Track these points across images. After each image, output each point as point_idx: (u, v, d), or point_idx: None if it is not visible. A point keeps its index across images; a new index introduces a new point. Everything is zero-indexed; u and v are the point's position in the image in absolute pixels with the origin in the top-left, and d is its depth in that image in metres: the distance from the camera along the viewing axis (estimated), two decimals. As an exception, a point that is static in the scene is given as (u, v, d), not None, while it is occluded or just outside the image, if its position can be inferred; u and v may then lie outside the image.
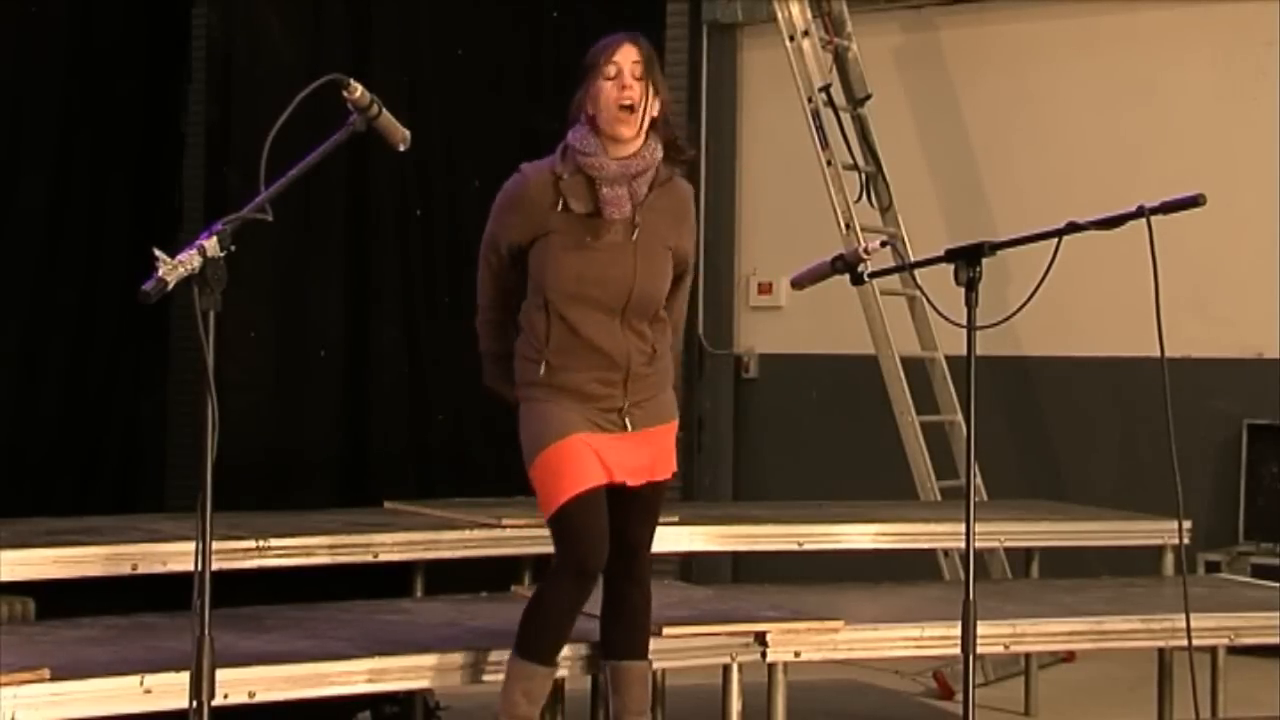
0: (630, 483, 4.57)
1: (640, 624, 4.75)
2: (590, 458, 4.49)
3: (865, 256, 4.39)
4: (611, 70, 4.42)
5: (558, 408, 4.50)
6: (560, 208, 4.46)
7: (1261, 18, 8.80)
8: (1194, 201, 3.83)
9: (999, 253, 3.93)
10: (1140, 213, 3.85)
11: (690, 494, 9.80)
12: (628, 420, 4.55)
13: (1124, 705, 6.38)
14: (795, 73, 8.57)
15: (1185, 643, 4.66)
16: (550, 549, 5.74)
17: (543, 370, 4.50)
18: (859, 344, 8.50)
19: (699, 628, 5.17)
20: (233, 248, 3.41)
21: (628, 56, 4.44)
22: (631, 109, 4.42)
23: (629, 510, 4.60)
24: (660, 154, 4.53)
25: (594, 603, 4.67)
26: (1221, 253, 8.59)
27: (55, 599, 5.32)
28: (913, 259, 7.67)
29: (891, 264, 6.93)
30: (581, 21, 8.89)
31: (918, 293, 8.40)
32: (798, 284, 4.46)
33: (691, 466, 9.89)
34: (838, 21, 8.94)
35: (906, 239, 8.65)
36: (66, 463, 6.95)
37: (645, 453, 4.61)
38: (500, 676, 4.68)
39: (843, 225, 8.33)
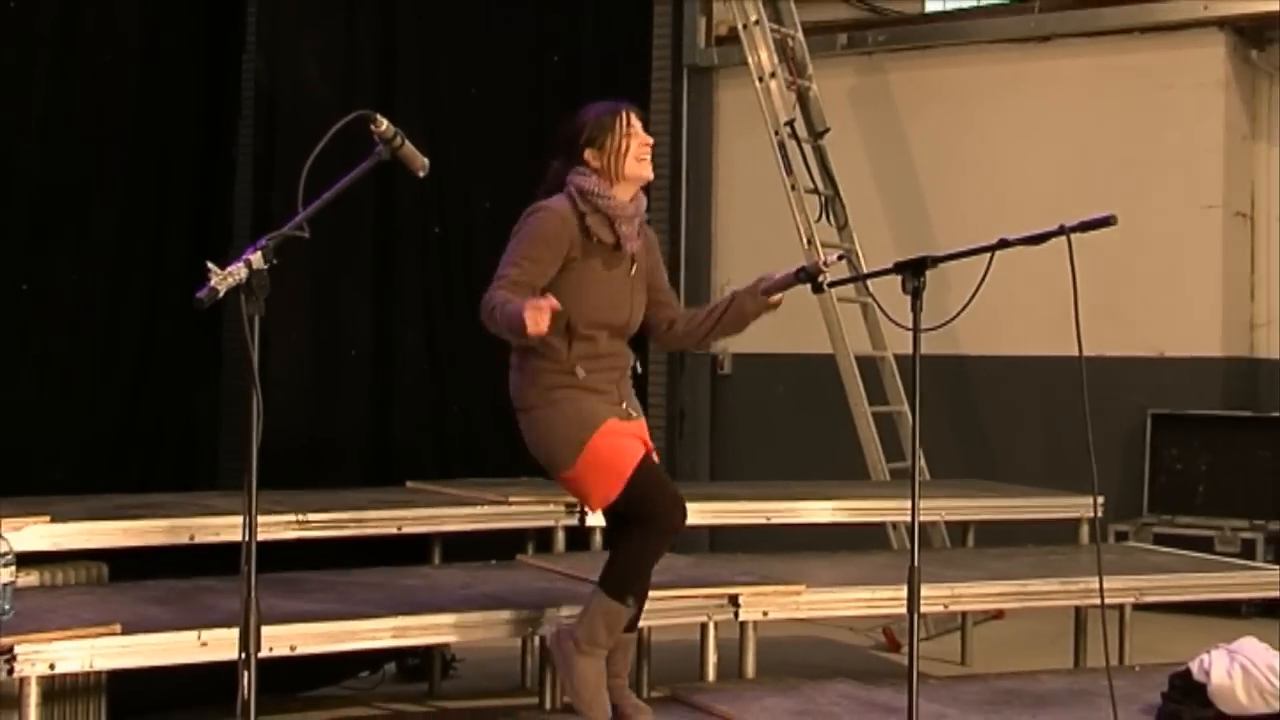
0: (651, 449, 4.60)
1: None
2: (629, 435, 4.51)
3: (824, 268, 4.38)
4: (629, 130, 4.54)
5: (587, 402, 4.48)
6: (587, 241, 4.49)
7: (1162, 66, 8.85)
8: (1107, 221, 3.82)
9: (940, 265, 3.92)
10: (1061, 231, 3.84)
11: (673, 475, 9.74)
12: (631, 411, 4.59)
13: (1046, 655, 6.37)
14: (764, 109, 8.56)
15: (1098, 601, 4.65)
16: (544, 523, 5.78)
17: (575, 375, 4.48)
18: (819, 345, 8.49)
19: (680, 591, 5.17)
20: (275, 261, 3.39)
21: (639, 120, 4.61)
22: (649, 155, 4.60)
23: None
24: (644, 200, 4.66)
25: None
26: (1130, 265, 8.61)
27: (125, 564, 5.30)
28: (865, 271, 7.66)
29: (847, 275, 6.91)
30: (580, 63, 8.88)
31: (870, 300, 8.40)
32: (767, 293, 4.44)
33: (674, 452, 9.89)
34: (800, 65, 8.94)
35: (860, 253, 8.65)
36: (133, 447, 6.92)
37: (643, 436, 4.63)
38: (500, 635, 4.69)
39: (805, 241, 8.32)
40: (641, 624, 5.18)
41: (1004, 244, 3.88)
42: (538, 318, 4.14)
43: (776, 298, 4.56)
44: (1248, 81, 8.97)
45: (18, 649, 4.06)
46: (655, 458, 4.64)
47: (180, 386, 7.18)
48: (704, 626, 5.13)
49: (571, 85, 8.53)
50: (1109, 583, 5.51)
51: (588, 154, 4.53)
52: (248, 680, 3.36)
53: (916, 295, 3.88)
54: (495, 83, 8.36)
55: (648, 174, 4.60)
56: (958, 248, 4.00)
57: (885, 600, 5.41)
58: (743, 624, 5.20)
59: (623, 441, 4.48)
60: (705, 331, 4.80)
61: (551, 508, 5.92)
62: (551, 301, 4.19)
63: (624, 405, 4.58)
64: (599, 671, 4.51)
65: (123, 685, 4.79)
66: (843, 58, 9.67)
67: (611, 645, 4.54)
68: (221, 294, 3.31)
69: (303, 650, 4.55)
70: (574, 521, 6.03)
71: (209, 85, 7.43)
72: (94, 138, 6.83)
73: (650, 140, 4.61)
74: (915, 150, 9.49)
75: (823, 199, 8.73)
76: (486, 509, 5.96)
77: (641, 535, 4.49)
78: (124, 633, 4.26)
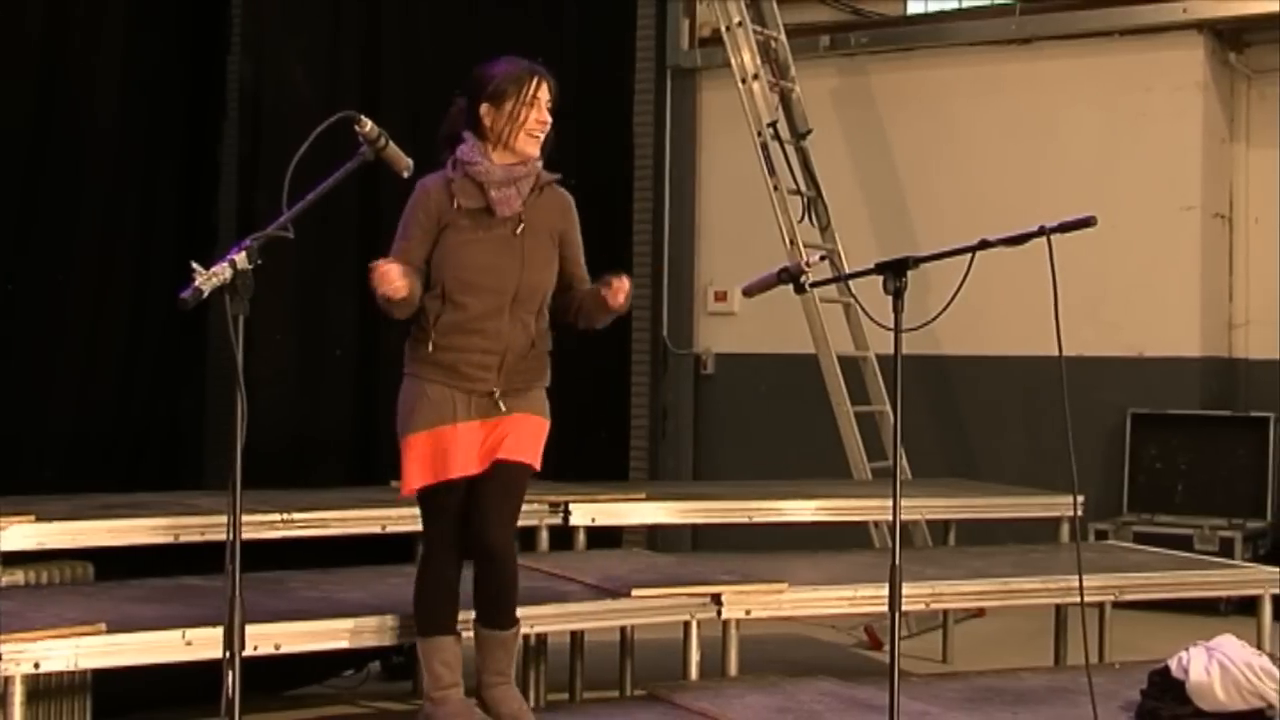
0: (458, 475, 4.45)
1: (497, 597, 4.54)
2: (451, 453, 4.41)
3: (807, 269, 4.37)
4: (533, 99, 4.47)
5: (435, 391, 4.42)
6: (454, 206, 4.45)
7: (1141, 68, 8.86)
8: (1087, 222, 3.82)
9: (921, 266, 3.92)
10: (1041, 232, 3.85)
11: (656, 474, 9.79)
12: (501, 403, 4.47)
13: (1026, 653, 6.38)
14: (746, 110, 8.56)
15: (1078, 599, 4.66)
16: (528, 522, 5.74)
17: (430, 348, 4.42)
18: (802, 345, 8.49)
19: (663, 590, 5.17)
20: (259, 261, 3.39)
21: (545, 93, 4.50)
22: (542, 135, 4.51)
23: (486, 489, 4.45)
24: (540, 164, 4.55)
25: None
26: (1110, 266, 8.62)
27: (110, 563, 5.29)
28: (847, 271, 7.65)
29: (829, 275, 6.91)
30: (564, 64, 8.85)
31: (852, 300, 8.40)
32: (748, 293, 4.43)
33: (656, 451, 9.89)
34: (783, 66, 8.94)
35: (842, 254, 8.65)
36: (119, 446, 6.90)
37: (508, 435, 4.47)
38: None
39: (787, 242, 8.32)
40: (624, 623, 5.19)
41: (985, 245, 3.88)
42: (381, 278, 4.21)
43: (620, 300, 4.45)
44: (1226, 84, 9.00)
45: (2, 648, 4.05)
46: (510, 459, 4.45)
47: (165, 386, 7.17)
48: (686, 625, 5.13)
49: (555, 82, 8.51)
50: (1089, 581, 5.53)
51: (483, 108, 4.47)
52: (232, 679, 3.35)
53: (898, 296, 3.88)
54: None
55: (532, 151, 4.49)
56: (939, 248, 3.99)
57: (867, 599, 5.41)
58: (725, 623, 5.19)
59: (441, 456, 4.40)
60: (569, 308, 4.61)
61: (535, 506, 5.90)
62: (392, 263, 4.26)
63: (495, 396, 4.45)
64: (460, 708, 4.51)
65: (108, 684, 4.78)
66: (825, 59, 9.67)
67: (457, 679, 4.52)
68: (206, 294, 3.31)
69: (287, 649, 4.55)
70: (558, 520, 6.02)
71: (194, 86, 7.42)
72: (79, 138, 6.81)
73: (548, 120, 4.49)
74: (897, 151, 9.50)
75: (805, 200, 8.74)
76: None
77: (422, 563, 4.58)
78: (109, 632, 4.25)
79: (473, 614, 4.57)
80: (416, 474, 4.45)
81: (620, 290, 4.43)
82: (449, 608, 4.55)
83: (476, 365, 4.44)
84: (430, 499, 4.49)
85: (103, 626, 4.24)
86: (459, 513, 4.47)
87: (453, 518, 4.48)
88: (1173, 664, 4.70)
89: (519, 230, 4.48)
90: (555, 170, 4.62)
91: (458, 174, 4.48)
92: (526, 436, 4.51)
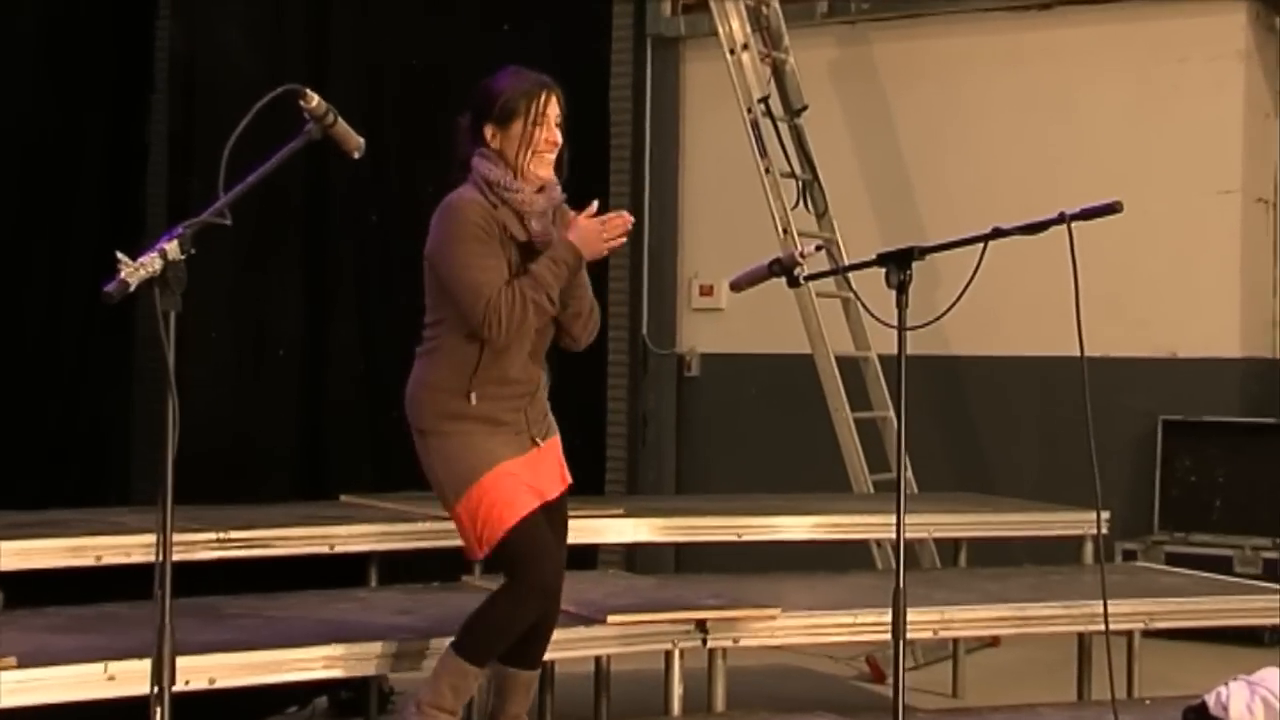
0: (550, 496, 4.58)
1: (544, 635, 4.66)
2: (524, 484, 4.49)
3: (801, 260, 4.39)
4: (543, 118, 4.49)
5: (482, 439, 4.47)
6: (508, 236, 4.47)
7: (1176, 36, 8.87)
8: (1112, 209, 3.85)
9: (928, 257, 3.94)
10: (1061, 219, 3.87)
11: (634, 487, 9.80)
12: (535, 438, 4.58)
13: (1046, 687, 6.40)
14: (735, 84, 8.57)
15: (1103, 627, 4.68)
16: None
17: (471, 401, 4.45)
18: (796, 344, 8.50)
19: (642, 616, 5.18)
20: (193, 250, 3.39)
21: (555, 109, 4.53)
22: (557, 155, 4.53)
23: (551, 524, 4.58)
24: (560, 189, 4.60)
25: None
26: (1138, 257, 8.64)
27: (22, 589, 5.27)
28: (847, 263, 7.69)
29: (826, 268, 6.93)
30: (534, 33, 8.88)
31: (851, 295, 8.42)
32: (736, 287, 4.46)
33: (635, 461, 9.90)
34: (775, 36, 8.96)
35: (841, 244, 8.67)
36: (33, 457, 6.90)
37: (552, 464, 4.65)
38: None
39: (780, 230, 8.34)
40: (600, 652, 5.20)
41: (999, 233, 3.91)
42: (606, 234, 4.37)
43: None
44: (1272, 53, 9.02)
45: (-101, 684, 4.04)
46: (565, 483, 4.67)
47: (86, 390, 7.18)
48: (668, 655, 5.14)
49: (525, 57, 8.49)
50: (1115, 606, 5.55)
51: (488, 130, 4.50)
52: (161, 717, 3.35)
53: (902, 290, 3.90)
54: (440, 55, 8.36)
55: (546, 174, 4.53)
56: (948, 237, 4.01)
57: (868, 626, 5.43)
58: (711, 652, 5.20)
59: (514, 491, 4.46)
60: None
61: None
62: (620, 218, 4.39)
63: (530, 432, 4.57)
64: None
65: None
66: (822, 28, 9.69)
67: (457, 709, 4.54)
68: (133, 287, 3.31)
69: (223, 684, 4.53)
70: (525, 540, 6.01)
71: (119, 55, 7.42)
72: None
73: (559, 141, 4.53)
74: (902, 130, 9.52)
75: (800, 184, 8.75)
76: (429, 525, 5.94)
77: (509, 598, 4.53)
78: (20, 666, 4.23)
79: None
80: (497, 519, 4.43)
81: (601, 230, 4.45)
82: (502, 647, 4.56)
83: (509, 410, 4.53)
84: (522, 536, 4.45)
85: (13, 660, 4.22)
86: (553, 549, 4.54)
87: (551, 548, 4.52)
88: (1210, 700, 4.71)
89: None
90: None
91: (495, 199, 4.48)
92: (559, 460, 4.70)
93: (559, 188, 4.59)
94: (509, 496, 4.44)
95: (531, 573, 4.48)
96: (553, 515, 4.60)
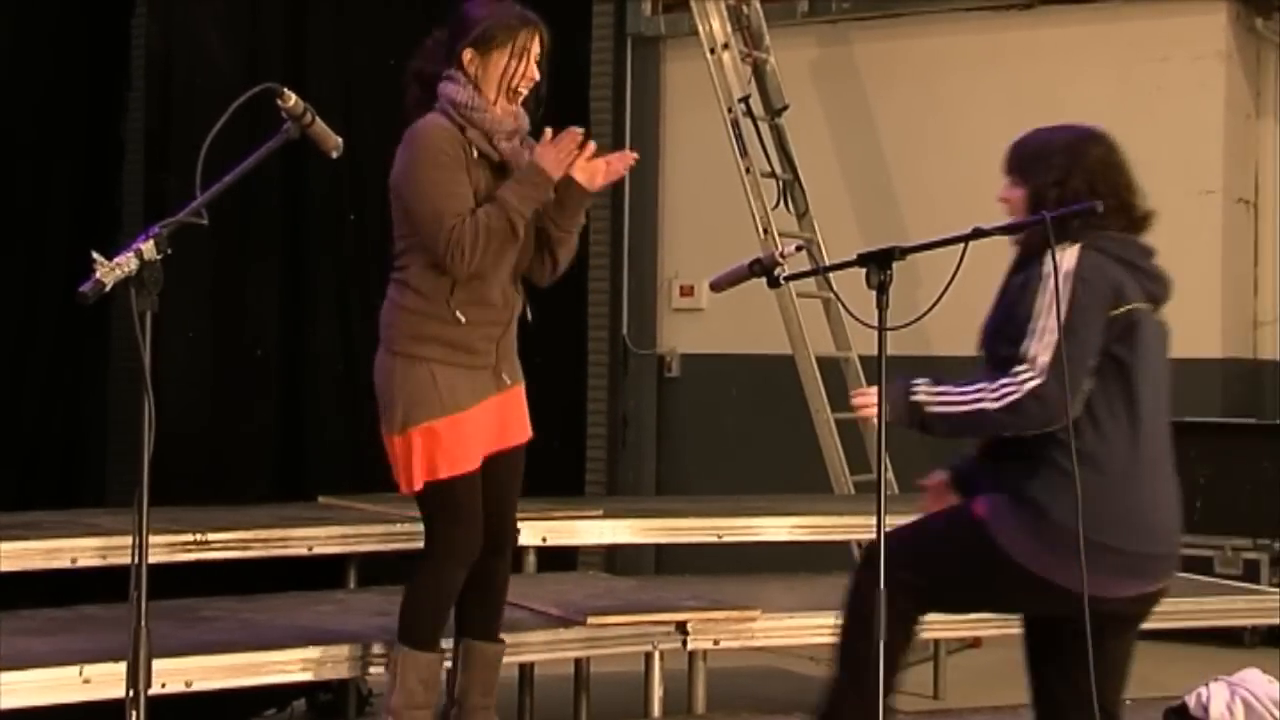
0: (502, 447, 4.53)
1: (500, 601, 4.66)
2: (473, 439, 4.43)
3: (782, 260, 4.39)
4: (527, 53, 4.46)
5: (448, 376, 4.40)
6: (469, 159, 4.42)
7: (1157, 36, 8.89)
8: (1091, 209, 3.86)
9: (909, 257, 3.94)
10: (1042, 218, 3.88)
11: (614, 488, 9.80)
12: (504, 374, 4.53)
13: (1026, 688, 6.41)
14: (716, 84, 8.58)
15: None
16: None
17: (447, 325, 4.39)
18: (776, 344, 8.51)
19: (622, 617, 5.18)
20: (169, 250, 3.39)
21: (539, 47, 4.51)
22: (526, 92, 4.51)
23: (500, 477, 4.54)
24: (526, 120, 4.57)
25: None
26: (1120, 257, 8.65)
27: (-3, 592, 5.27)
28: (827, 263, 7.70)
29: (807, 268, 6.92)
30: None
31: (832, 295, 8.42)
32: (716, 287, 4.46)
33: (615, 462, 9.90)
34: (756, 35, 8.96)
35: (822, 244, 8.68)
36: (8, 459, 6.88)
37: (515, 412, 4.59)
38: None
39: (761, 230, 8.35)
40: (580, 654, 5.20)
41: (979, 233, 3.91)
42: (561, 151, 4.30)
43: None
44: (1252, 53, 9.05)
45: (-126, 687, 4.03)
46: (525, 434, 4.60)
47: (61, 391, 7.16)
48: (648, 656, 5.15)
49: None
50: (1096, 607, 5.55)
51: (467, 53, 4.44)
52: (137, 720, 3.35)
53: (883, 290, 3.90)
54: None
55: (514, 108, 4.49)
56: (928, 237, 4.02)
57: (849, 627, 5.43)
58: (691, 653, 5.22)
59: (460, 445, 4.40)
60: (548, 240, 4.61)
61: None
62: (570, 133, 4.32)
63: (500, 367, 4.52)
64: None
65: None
66: (803, 27, 9.70)
67: (431, 701, 4.51)
68: (109, 288, 3.30)
69: (200, 686, 4.53)
70: (505, 541, 6.02)
71: (94, 52, 7.40)
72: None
73: (536, 77, 4.50)
74: (883, 130, 9.53)
75: (780, 183, 8.76)
76: (408, 527, 5.93)
77: (426, 569, 4.52)
78: (-4, 668, 4.23)
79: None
80: (431, 467, 4.39)
81: (555, 146, 4.40)
82: (444, 620, 4.54)
83: (485, 338, 4.47)
84: (449, 495, 4.42)
85: (-10, 662, 4.23)
86: (478, 514, 4.47)
87: (475, 514, 4.46)
88: (1191, 701, 4.74)
89: None
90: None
91: (463, 120, 4.43)
92: (523, 408, 4.63)
93: (525, 116, 4.54)
94: (453, 450, 4.38)
95: (444, 537, 4.46)
96: (505, 464, 4.55)
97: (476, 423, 4.44)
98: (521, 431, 4.62)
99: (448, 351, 4.42)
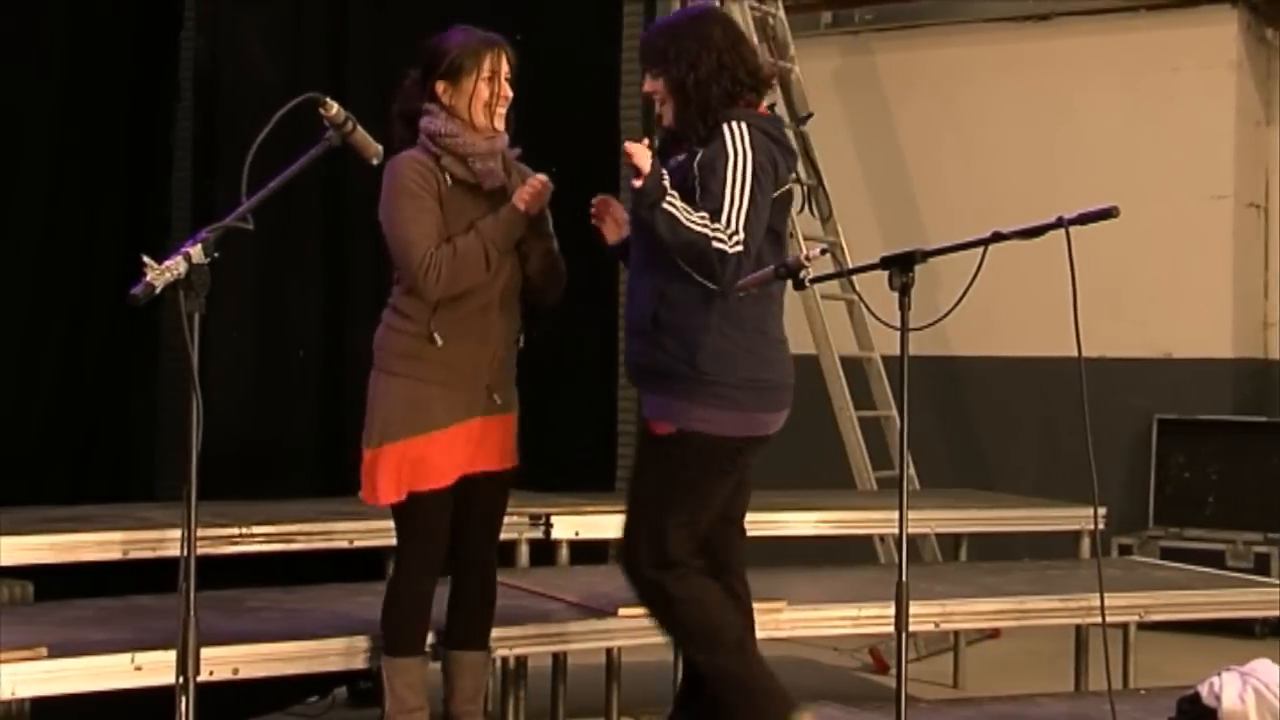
0: (483, 469, 4.54)
1: (484, 613, 4.70)
2: (448, 458, 4.45)
3: (807, 263, 4.38)
4: (492, 73, 4.49)
5: (427, 392, 4.43)
6: (446, 184, 4.46)
7: (1169, 45, 8.88)
8: (1108, 213, 3.84)
9: (930, 260, 3.93)
10: (1059, 223, 3.86)
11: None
12: (496, 397, 4.54)
13: (1044, 677, 6.40)
14: (742, 93, 8.56)
15: (1100, 620, 4.67)
16: (507, 536, 5.72)
17: (426, 342, 4.42)
18: (801, 344, 8.44)
19: (652, 608, 5.16)
20: (216, 254, 3.40)
21: (506, 65, 4.53)
22: (504, 110, 4.53)
23: (479, 501, 4.57)
24: (507, 140, 4.61)
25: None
26: (1133, 261, 8.64)
27: (52, 582, 5.29)
28: (851, 266, 7.68)
29: (831, 270, 6.93)
30: (546, 44, 8.86)
31: (855, 297, 8.42)
32: (743, 289, 4.46)
33: (645, 459, 9.87)
34: (781, 45, 8.95)
35: (845, 247, 8.67)
36: (61, 455, 6.89)
37: (501, 439, 4.59)
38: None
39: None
40: (611, 644, 5.20)
41: (998, 237, 3.90)
42: (533, 194, 4.36)
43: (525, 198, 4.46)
44: (1262, 62, 9.02)
45: (-66, 674, 4.05)
46: (510, 462, 4.61)
47: (113, 390, 7.16)
48: (678, 647, 5.13)
49: (536, 67, 8.51)
50: (1111, 600, 5.55)
51: (440, 86, 4.47)
52: (185, 706, 3.36)
53: (904, 292, 3.90)
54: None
55: (498, 125, 4.52)
56: (949, 241, 4.01)
57: (871, 618, 5.43)
58: (720, 644, 5.19)
59: (432, 462, 4.43)
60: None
61: (514, 519, 5.90)
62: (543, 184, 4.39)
63: (491, 393, 4.53)
64: None
65: (49, 713, 4.77)
66: (827, 37, 9.69)
67: (423, 703, 4.55)
68: (158, 290, 3.31)
69: (246, 674, 4.55)
70: (539, 534, 6.04)
71: (143, 64, 7.41)
72: (13, 118, 6.79)
73: (510, 95, 4.53)
74: (904, 137, 9.52)
75: (805, 189, 8.75)
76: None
77: (397, 579, 4.59)
78: (50, 656, 4.24)
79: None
80: (396, 485, 4.45)
81: (528, 189, 4.45)
82: (423, 626, 4.58)
83: (465, 358, 4.48)
84: (415, 510, 4.48)
85: (43, 650, 4.24)
86: (444, 531, 4.52)
87: (441, 530, 4.51)
88: (1203, 690, 4.71)
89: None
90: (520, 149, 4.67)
91: (439, 149, 4.47)
92: (512, 437, 4.63)
93: (506, 137, 4.56)
94: (420, 467, 4.42)
95: (409, 551, 4.53)
96: (486, 491, 4.57)
97: (452, 441, 4.46)
98: (505, 458, 4.61)
99: (427, 370, 4.45)
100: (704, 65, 4.34)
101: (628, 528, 4.50)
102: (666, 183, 4.15)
